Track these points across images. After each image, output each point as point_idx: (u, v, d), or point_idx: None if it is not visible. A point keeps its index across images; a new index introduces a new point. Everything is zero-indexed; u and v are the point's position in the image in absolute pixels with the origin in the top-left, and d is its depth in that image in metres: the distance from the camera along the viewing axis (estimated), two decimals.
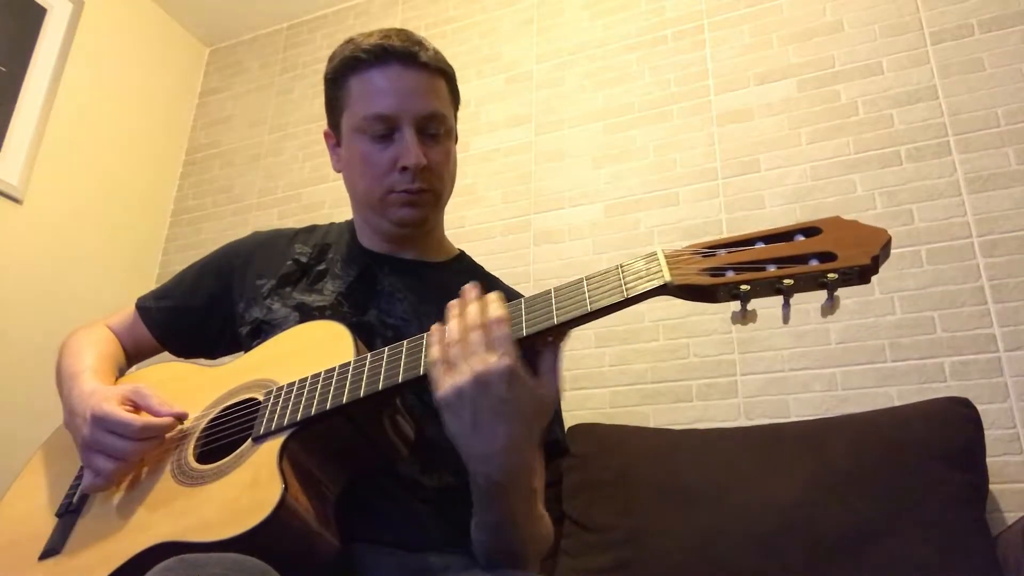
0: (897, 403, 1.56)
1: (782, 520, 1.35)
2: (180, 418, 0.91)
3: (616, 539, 1.43)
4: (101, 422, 0.87)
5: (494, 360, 0.71)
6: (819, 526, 1.32)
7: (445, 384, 0.72)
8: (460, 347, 0.73)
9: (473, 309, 0.75)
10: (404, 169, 1.02)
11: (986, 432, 1.39)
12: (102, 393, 0.92)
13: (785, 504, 1.36)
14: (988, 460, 1.38)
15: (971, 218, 1.65)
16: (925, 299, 1.63)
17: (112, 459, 0.87)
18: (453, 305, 0.78)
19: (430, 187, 1.04)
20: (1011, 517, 1.41)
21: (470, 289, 0.79)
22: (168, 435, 0.91)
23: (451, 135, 1.09)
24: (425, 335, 0.80)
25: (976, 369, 1.55)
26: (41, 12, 2.36)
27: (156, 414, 0.90)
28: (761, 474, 1.43)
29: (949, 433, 1.37)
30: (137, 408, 0.91)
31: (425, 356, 0.77)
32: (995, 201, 1.64)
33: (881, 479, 1.34)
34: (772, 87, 1.96)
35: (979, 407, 1.41)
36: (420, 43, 1.05)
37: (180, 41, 2.93)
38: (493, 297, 0.77)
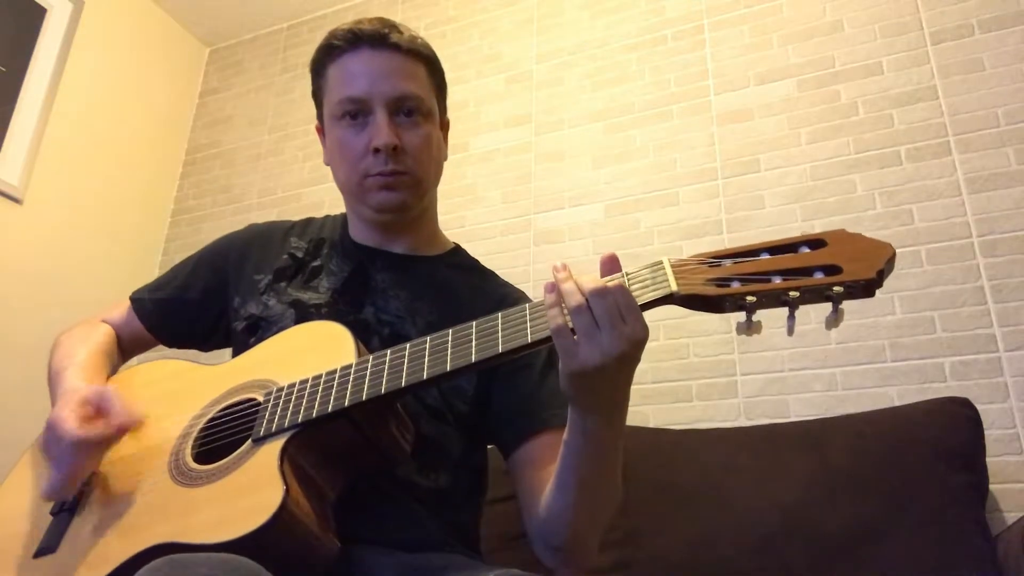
0: (897, 403, 1.56)
1: (782, 520, 1.35)
2: (125, 430, 0.87)
3: (615, 539, 1.43)
4: (51, 429, 0.86)
5: (631, 331, 0.71)
6: (819, 526, 1.32)
7: (586, 356, 0.71)
8: (591, 317, 0.71)
9: (589, 279, 0.73)
10: (377, 151, 1.00)
11: (986, 432, 1.39)
12: (68, 395, 0.91)
13: (785, 504, 1.36)
14: (988, 460, 1.38)
15: (971, 218, 1.65)
16: (925, 299, 1.63)
17: (58, 468, 0.85)
18: (564, 275, 0.75)
19: (406, 169, 1.02)
20: (1011, 517, 1.41)
21: (564, 266, 0.76)
22: (145, 438, 0.90)
23: (431, 119, 1.07)
24: (450, 331, 0.80)
25: (976, 369, 1.54)
26: (41, 12, 2.36)
27: (107, 423, 0.87)
28: (761, 474, 1.43)
29: (949, 433, 1.37)
30: (99, 411, 0.89)
31: (532, 326, 0.75)
32: (995, 201, 1.64)
33: (881, 479, 1.34)
34: (772, 87, 1.96)
35: (979, 407, 1.41)
36: (394, 26, 1.04)
37: (180, 41, 2.93)
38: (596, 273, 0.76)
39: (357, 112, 1.02)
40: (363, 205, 1.06)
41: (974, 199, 1.66)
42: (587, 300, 0.71)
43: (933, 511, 1.29)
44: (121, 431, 0.87)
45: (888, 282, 1.86)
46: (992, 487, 1.41)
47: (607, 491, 0.87)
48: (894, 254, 0.67)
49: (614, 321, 0.70)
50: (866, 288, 0.66)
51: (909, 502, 1.30)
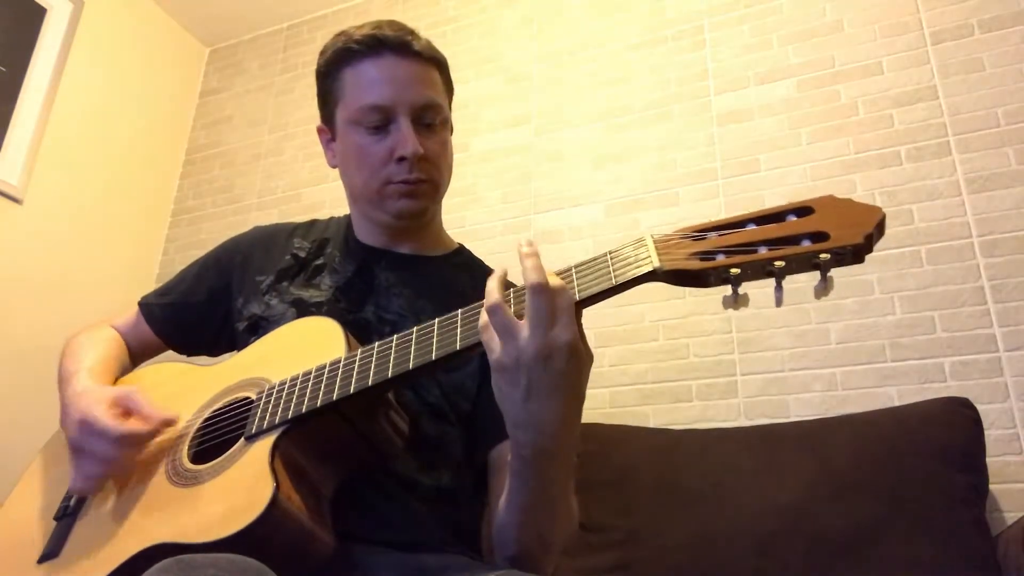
0: (897, 403, 1.56)
1: (782, 520, 1.35)
2: (168, 423, 0.89)
3: (616, 539, 1.43)
4: (87, 426, 0.87)
5: (557, 332, 0.68)
6: (819, 526, 1.32)
7: (503, 351, 0.70)
8: (510, 312, 0.70)
9: (532, 271, 0.70)
10: (401, 160, 1.01)
11: (986, 432, 1.39)
12: (93, 395, 0.92)
13: (785, 504, 1.36)
14: (988, 460, 1.38)
15: (971, 218, 1.65)
16: (925, 299, 1.63)
17: (98, 464, 0.86)
18: (500, 274, 0.74)
19: (428, 177, 1.04)
20: (1011, 517, 1.41)
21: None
22: (159, 439, 0.90)
23: (447, 125, 1.08)
24: (436, 321, 0.80)
25: (976, 369, 1.54)
26: (41, 12, 2.36)
27: (145, 419, 0.88)
28: (761, 474, 1.43)
29: (949, 433, 1.37)
30: (128, 412, 0.90)
31: (514, 310, 0.74)
32: (995, 201, 1.64)
33: (881, 479, 1.34)
34: (772, 87, 1.96)
35: (979, 407, 1.41)
36: (413, 33, 1.05)
37: (180, 41, 2.93)
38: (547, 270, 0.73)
39: (379, 119, 1.02)
40: (380, 211, 1.06)
41: (974, 199, 1.66)
42: (516, 299, 0.70)
43: (933, 511, 1.29)
44: (162, 426, 0.88)
45: (888, 282, 1.86)
46: (992, 487, 1.41)
47: (552, 518, 0.84)
48: (883, 217, 0.64)
49: (540, 321, 0.68)
50: (855, 254, 0.63)
51: (909, 502, 1.30)
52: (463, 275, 1.12)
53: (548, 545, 0.86)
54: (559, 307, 0.69)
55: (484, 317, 0.72)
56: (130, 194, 2.63)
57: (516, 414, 0.73)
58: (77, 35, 2.46)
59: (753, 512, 1.38)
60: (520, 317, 0.71)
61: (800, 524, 1.33)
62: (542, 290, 0.69)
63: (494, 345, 0.71)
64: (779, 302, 0.66)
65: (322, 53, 1.09)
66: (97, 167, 2.51)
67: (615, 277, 0.70)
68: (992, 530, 1.32)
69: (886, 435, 1.40)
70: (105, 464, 0.86)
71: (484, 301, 0.73)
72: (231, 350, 1.16)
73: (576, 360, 0.70)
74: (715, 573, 1.34)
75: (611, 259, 0.72)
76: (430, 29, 2.53)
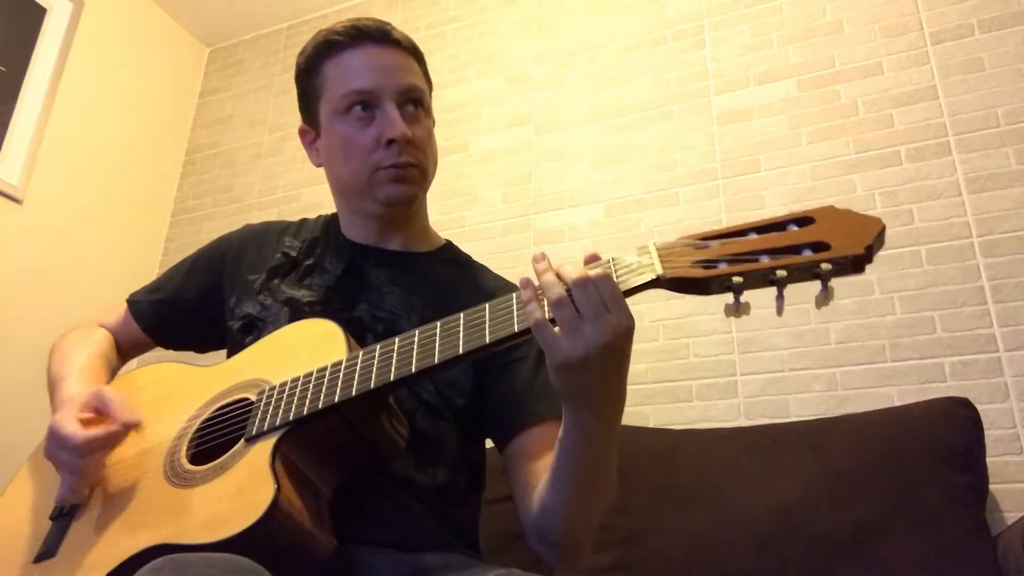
0: (897, 403, 1.56)
1: (782, 520, 1.35)
2: (129, 426, 0.87)
3: (616, 539, 1.43)
4: (53, 435, 0.87)
5: (617, 321, 0.70)
6: (819, 526, 1.32)
7: (570, 349, 0.70)
8: (573, 309, 0.70)
9: (571, 268, 0.72)
10: (390, 143, 1.01)
11: (986, 432, 1.39)
12: (69, 402, 0.91)
13: (785, 504, 1.36)
14: (988, 460, 1.38)
15: (971, 218, 1.65)
16: (925, 299, 1.63)
17: (70, 473, 0.86)
18: (543, 266, 0.74)
19: (416, 162, 1.04)
20: (1011, 517, 1.41)
21: (543, 256, 0.76)
22: (154, 442, 0.90)
23: (429, 114, 1.10)
24: (438, 324, 0.80)
25: (976, 369, 1.54)
26: (41, 12, 2.36)
27: (110, 420, 0.87)
28: (761, 474, 1.43)
29: (949, 433, 1.37)
30: (99, 413, 0.89)
31: (519, 315, 0.74)
32: (995, 201, 1.64)
33: (881, 479, 1.34)
34: (772, 87, 1.96)
35: (979, 407, 1.41)
36: (391, 25, 1.08)
37: (180, 41, 2.93)
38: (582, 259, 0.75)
39: (366, 103, 1.02)
40: (370, 200, 1.05)
41: (974, 199, 1.66)
42: (568, 291, 0.71)
43: (933, 511, 1.29)
44: (125, 428, 0.87)
45: (888, 282, 1.86)
46: (992, 487, 1.41)
47: (602, 489, 0.87)
48: (883, 228, 0.65)
49: (597, 311, 0.69)
50: (855, 264, 0.64)
51: (909, 502, 1.30)
52: (452, 271, 1.12)
53: (592, 519, 0.89)
54: (610, 295, 0.70)
55: (538, 314, 0.72)
56: (130, 194, 2.63)
57: (582, 401, 0.76)
58: (77, 35, 2.46)
59: (753, 512, 1.38)
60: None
61: (800, 524, 1.33)
62: (587, 282, 0.70)
63: (558, 342, 0.71)
64: (780, 311, 0.67)
65: (302, 52, 1.10)
66: (97, 167, 2.51)
67: (618, 284, 0.71)
68: (992, 530, 1.32)
69: (886, 435, 1.40)
70: (75, 473, 0.86)
71: (526, 297, 0.73)
72: (219, 348, 1.16)
73: (631, 341, 0.73)
74: (715, 573, 1.34)
75: (614, 266, 0.73)
76: (430, 29, 2.53)
